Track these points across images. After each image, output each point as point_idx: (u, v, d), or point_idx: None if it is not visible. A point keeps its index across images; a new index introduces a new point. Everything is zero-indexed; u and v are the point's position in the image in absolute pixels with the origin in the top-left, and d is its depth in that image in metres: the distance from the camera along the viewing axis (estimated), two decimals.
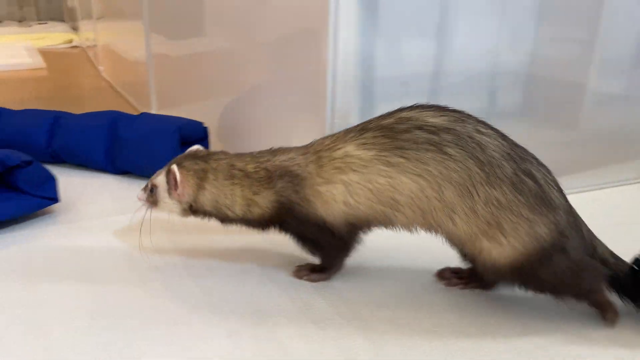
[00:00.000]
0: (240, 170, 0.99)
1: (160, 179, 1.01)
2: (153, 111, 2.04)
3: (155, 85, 2.02)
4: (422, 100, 0.94)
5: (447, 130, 0.87)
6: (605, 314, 0.91)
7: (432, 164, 0.86)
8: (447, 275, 1.04)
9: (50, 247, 1.14)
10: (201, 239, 1.18)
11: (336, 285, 1.01)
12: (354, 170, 0.90)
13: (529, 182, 0.85)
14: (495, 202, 0.84)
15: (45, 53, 3.53)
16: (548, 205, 0.85)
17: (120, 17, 2.56)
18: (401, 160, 0.88)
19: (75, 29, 4.51)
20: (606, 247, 0.93)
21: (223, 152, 1.03)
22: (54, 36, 4.17)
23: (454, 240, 0.92)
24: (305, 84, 1.25)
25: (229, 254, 1.13)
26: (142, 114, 1.60)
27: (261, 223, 1.00)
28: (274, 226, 1.01)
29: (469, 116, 0.90)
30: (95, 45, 3.39)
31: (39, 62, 3.22)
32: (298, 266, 1.05)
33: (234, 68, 1.49)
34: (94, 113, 1.60)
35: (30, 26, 4.73)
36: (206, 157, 1.02)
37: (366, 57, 1.19)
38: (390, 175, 0.88)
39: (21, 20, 5.05)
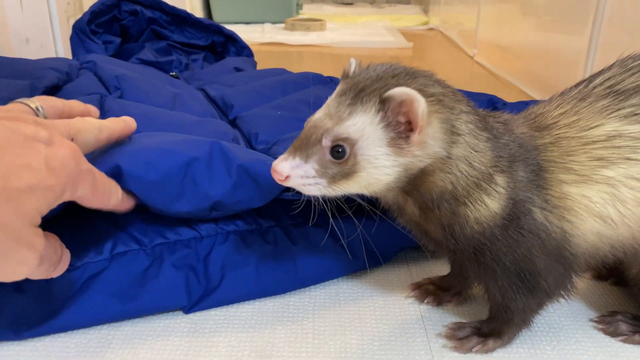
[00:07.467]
0: (491, 126, 0.61)
1: (360, 120, 0.57)
2: None
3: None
4: None
5: None
6: None
7: None
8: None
9: None
10: None
11: None
12: (630, 159, 0.59)
13: None
14: None
15: (403, 33, 3.42)
16: None
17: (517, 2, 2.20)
18: None
19: (425, 11, 4.39)
20: None
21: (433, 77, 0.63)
22: (409, 18, 4.10)
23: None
24: None
25: None
26: None
27: (475, 242, 0.61)
28: (476, 249, 0.62)
29: None
30: (461, 29, 3.13)
31: (403, 41, 3.10)
32: (451, 329, 0.66)
33: None
34: None
35: (381, 7, 4.78)
36: (430, 77, 0.62)
37: None
38: None
39: (372, 2, 5.17)
